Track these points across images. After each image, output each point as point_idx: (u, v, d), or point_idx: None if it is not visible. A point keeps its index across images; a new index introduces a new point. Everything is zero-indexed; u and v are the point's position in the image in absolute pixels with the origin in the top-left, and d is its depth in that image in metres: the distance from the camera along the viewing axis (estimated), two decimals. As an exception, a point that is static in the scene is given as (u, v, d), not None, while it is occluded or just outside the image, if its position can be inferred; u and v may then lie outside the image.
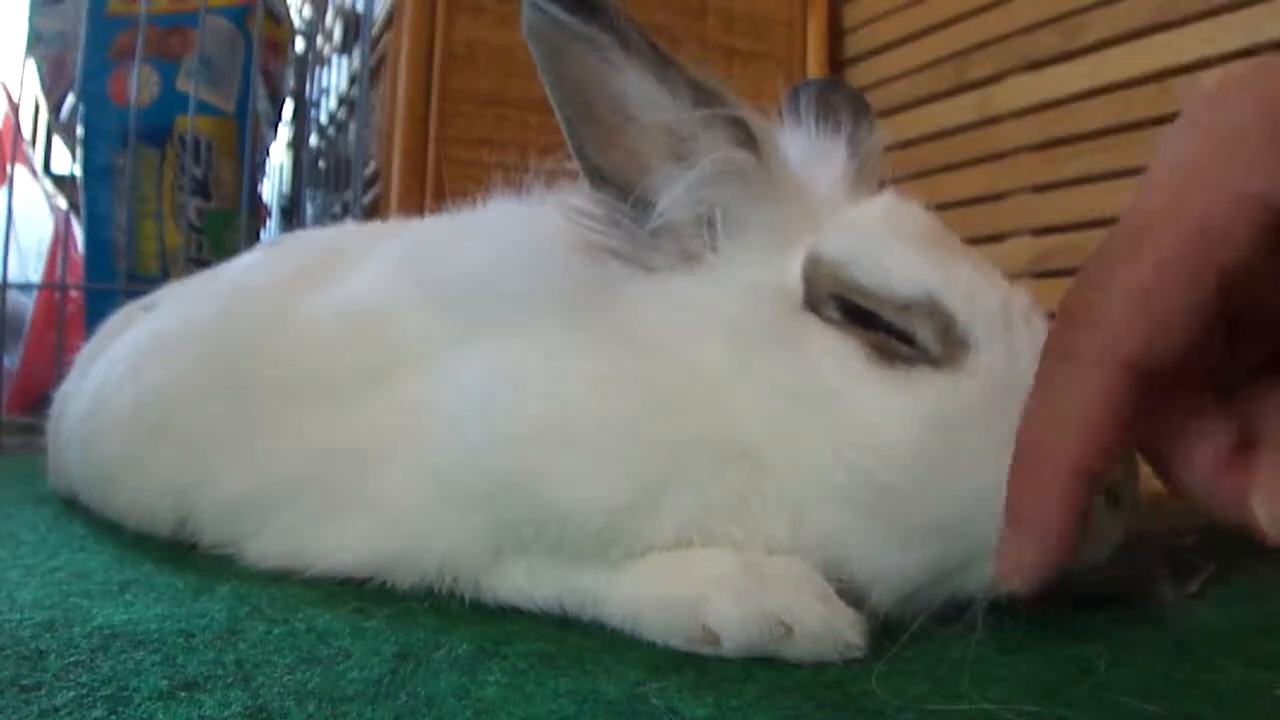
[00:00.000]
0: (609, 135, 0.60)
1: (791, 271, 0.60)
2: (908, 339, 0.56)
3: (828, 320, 0.58)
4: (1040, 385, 0.51)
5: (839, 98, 0.72)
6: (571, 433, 0.57)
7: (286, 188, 2.93)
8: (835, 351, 0.56)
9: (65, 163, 2.58)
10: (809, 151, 0.66)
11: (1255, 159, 0.46)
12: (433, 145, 1.98)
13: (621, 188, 0.61)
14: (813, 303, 0.58)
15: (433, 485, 0.63)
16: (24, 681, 0.47)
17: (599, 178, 0.61)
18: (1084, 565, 0.55)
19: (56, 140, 2.66)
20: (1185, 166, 0.48)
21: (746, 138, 0.59)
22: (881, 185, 0.69)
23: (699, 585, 0.54)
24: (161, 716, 0.44)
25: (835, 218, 0.61)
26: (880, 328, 0.57)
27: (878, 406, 0.55)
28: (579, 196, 0.63)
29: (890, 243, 0.58)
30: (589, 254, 0.62)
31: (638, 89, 0.59)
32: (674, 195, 0.60)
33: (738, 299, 0.59)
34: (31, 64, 2.32)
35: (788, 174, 0.62)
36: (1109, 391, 0.49)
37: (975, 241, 1.70)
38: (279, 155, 2.89)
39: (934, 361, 0.56)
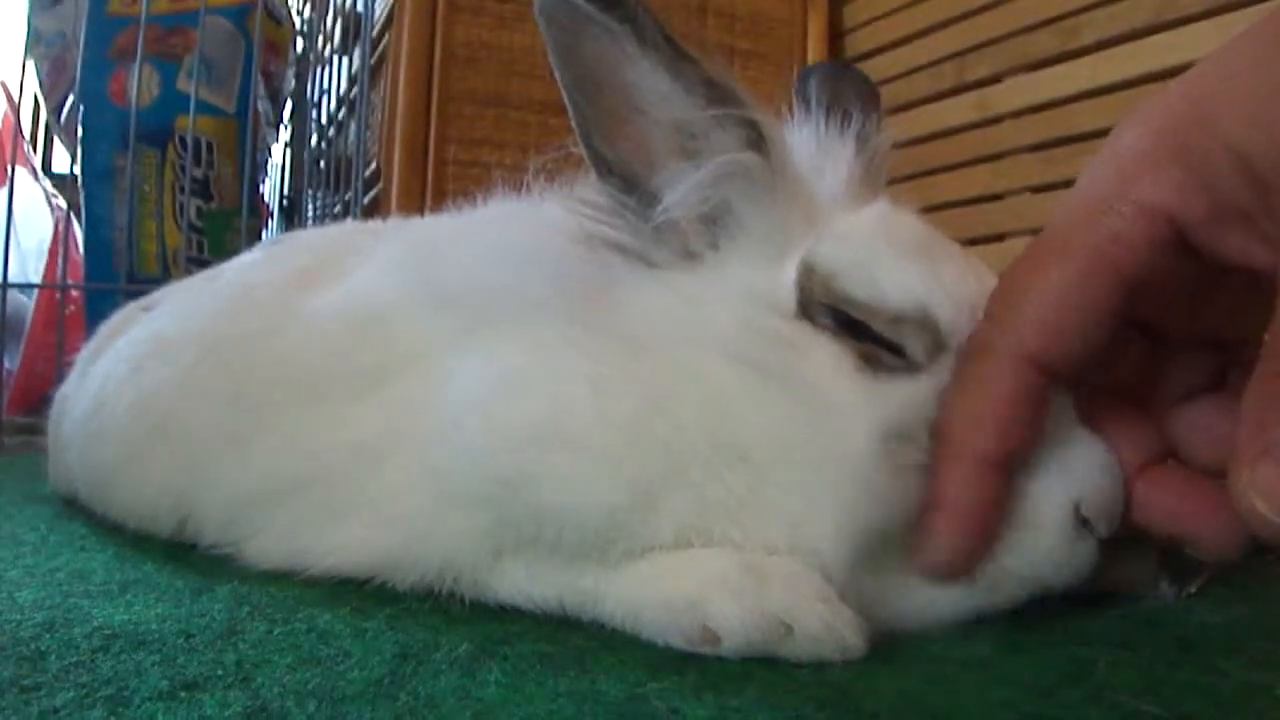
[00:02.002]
0: (617, 126, 0.60)
1: (788, 277, 0.59)
2: (897, 350, 0.56)
3: (821, 328, 0.58)
4: (958, 377, 0.56)
5: (848, 84, 0.72)
6: (570, 433, 0.57)
7: (287, 188, 2.93)
8: (828, 360, 0.56)
9: (65, 163, 2.58)
10: (817, 149, 0.66)
11: (1153, 176, 0.51)
12: (433, 145, 1.98)
13: (627, 179, 0.61)
14: (806, 310, 0.58)
15: (432, 485, 0.63)
16: (24, 682, 0.47)
17: (605, 168, 0.60)
18: (1057, 591, 0.56)
19: (57, 140, 2.66)
20: (1096, 185, 0.53)
21: (757, 139, 0.59)
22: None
23: (699, 585, 0.54)
24: (162, 717, 0.44)
25: (832, 224, 0.61)
26: (870, 338, 0.57)
27: (863, 416, 0.55)
28: (583, 187, 0.63)
29: (882, 255, 0.58)
30: (590, 246, 0.62)
31: (650, 82, 0.58)
32: (681, 193, 0.60)
33: (735, 302, 0.59)
34: (31, 64, 2.32)
35: (794, 176, 0.62)
36: (1015, 386, 0.53)
37: (974, 242, 1.70)
38: (279, 155, 2.89)
39: (925, 372, 0.56)
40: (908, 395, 0.55)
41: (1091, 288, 0.52)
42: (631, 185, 0.61)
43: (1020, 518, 0.55)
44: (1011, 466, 0.54)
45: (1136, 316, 0.55)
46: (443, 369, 0.64)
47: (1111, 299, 0.52)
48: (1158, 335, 0.58)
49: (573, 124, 0.60)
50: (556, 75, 0.59)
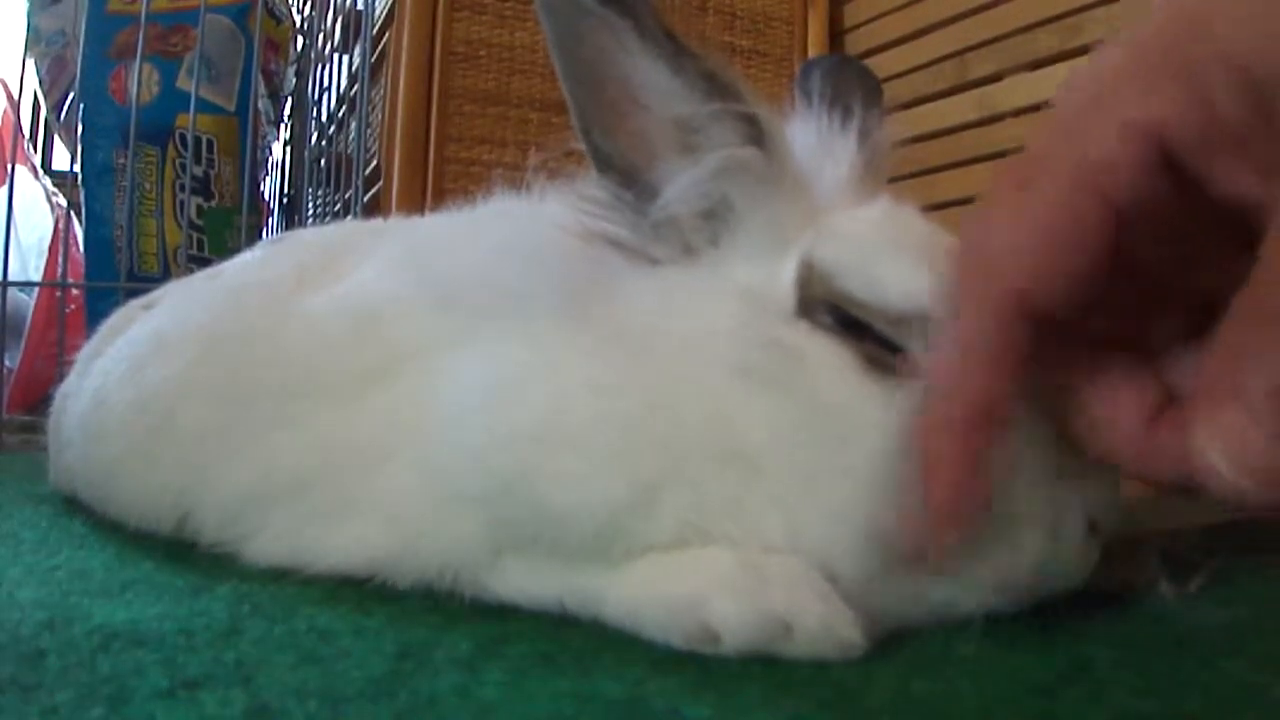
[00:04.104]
0: (617, 120, 0.59)
1: (787, 274, 0.59)
2: (900, 351, 0.56)
3: (822, 326, 0.57)
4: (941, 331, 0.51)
5: (851, 77, 0.71)
6: (569, 432, 0.57)
7: (287, 186, 2.93)
8: (831, 360, 0.56)
9: (65, 161, 2.58)
10: (818, 144, 0.65)
11: (1140, 92, 0.45)
12: (433, 144, 1.98)
13: (626, 174, 0.60)
14: (806, 308, 0.58)
15: (432, 484, 0.63)
16: (24, 680, 0.47)
17: (604, 162, 0.60)
18: (1055, 590, 0.56)
19: (57, 138, 2.66)
20: (1076, 104, 0.48)
21: (757, 134, 0.59)
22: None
23: (699, 584, 0.54)
24: (162, 715, 0.44)
25: (833, 221, 0.61)
26: (872, 338, 0.56)
27: (871, 417, 0.54)
28: (583, 183, 0.62)
29: (884, 254, 0.58)
30: (589, 242, 0.62)
31: (650, 76, 0.58)
32: (680, 188, 0.60)
33: (735, 299, 0.59)
34: (32, 62, 2.32)
35: (795, 172, 0.61)
36: (996, 336, 0.48)
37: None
38: (279, 154, 2.90)
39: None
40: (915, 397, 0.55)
41: (1077, 216, 0.46)
42: (631, 180, 0.60)
43: (1029, 519, 0.55)
44: (995, 420, 0.50)
45: (1121, 255, 0.48)
46: (443, 367, 0.64)
47: (1100, 229, 0.46)
48: (1142, 277, 0.51)
49: (572, 119, 0.60)
50: (556, 69, 0.58)
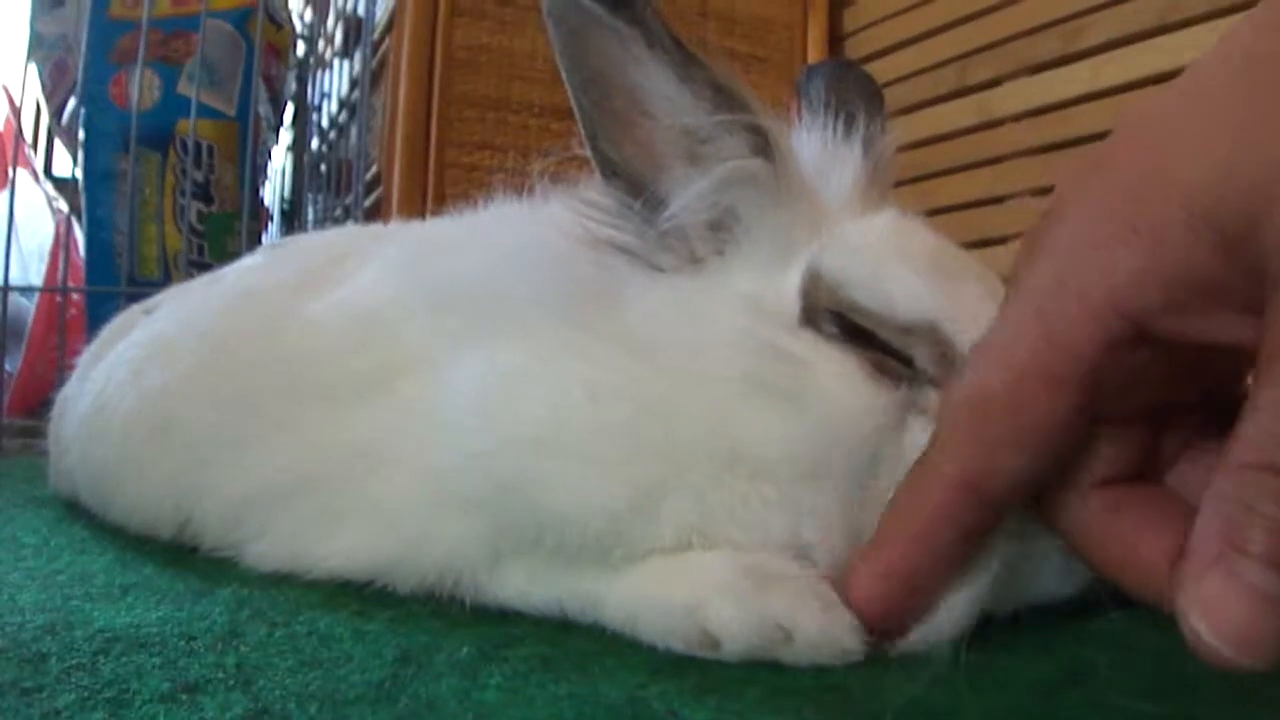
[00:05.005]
0: (624, 128, 0.59)
1: (792, 284, 0.59)
2: (906, 360, 0.56)
3: (826, 335, 0.57)
4: (906, 478, 0.52)
5: (853, 84, 0.72)
6: (569, 437, 0.57)
7: (288, 191, 2.93)
8: (836, 368, 0.56)
9: (67, 166, 2.58)
10: (823, 154, 0.66)
11: (1094, 265, 0.44)
12: (433, 149, 1.98)
13: (633, 183, 0.60)
14: (811, 318, 0.58)
15: (433, 488, 0.63)
16: (25, 684, 0.47)
17: (610, 170, 0.60)
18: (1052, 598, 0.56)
19: (58, 143, 2.66)
20: (1036, 278, 0.47)
21: (764, 145, 0.59)
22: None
23: (699, 589, 0.54)
24: (163, 719, 0.44)
25: (838, 231, 0.61)
26: (878, 347, 0.56)
27: (874, 425, 0.54)
28: (588, 189, 0.62)
29: (892, 264, 0.58)
30: (595, 248, 0.62)
31: (658, 85, 0.58)
32: (687, 198, 0.60)
33: (739, 308, 0.59)
34: (33, 67, 2.33)
35: (800, 182, 0.61)
36: (942, 505, 0.49)
37: (975, 245, 1.70)
38: (280, 159, 2.90)
39: (933, 382, 0.55)
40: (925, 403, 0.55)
41: (1029, 406, 0.46)
42: (637, 188, 0.60)
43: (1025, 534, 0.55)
44: (926, 585, 0.52)
45: (1106, 409, 0.48)
46: (444, 372, 0.64)
47: (1053, 413, 0.46)
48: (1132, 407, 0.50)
49: (579, 125, 0.59)
50: (563, 76, 0.58)
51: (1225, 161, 0.41)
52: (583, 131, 0.59)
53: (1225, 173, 0.40)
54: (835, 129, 0.67)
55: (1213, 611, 0.38)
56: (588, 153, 0.60)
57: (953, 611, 0.53)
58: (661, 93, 0.58)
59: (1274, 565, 0.38)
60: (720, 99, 0.58)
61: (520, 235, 0.68)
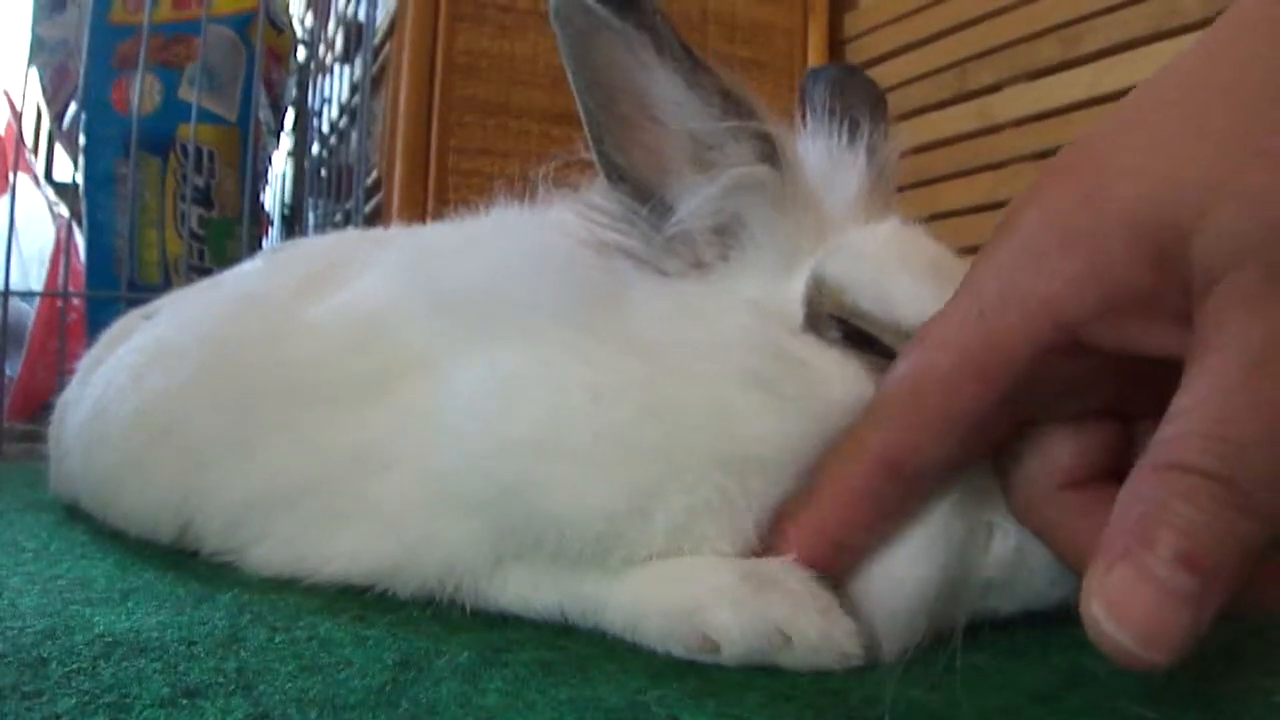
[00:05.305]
0: (630, 133, 0.59)
1: (795, 289, 0.60)
2: None
3: (829, 340, 0.58)
4: (837, 445, 0.54)
5: (856, 90, 0.72)
6: (570, 439, 0.57)
7: (288, 196, 2.93)
8: (837, 370, 0.56)
9: (67, 171, 2.58)
10: (828, 161, 0.66)
11: (1036, 271, 0.47)
12: (434, 155, 1.98)
13: (638, 187, 0.60)
14: (813, 323, 0.58)
15: (433, 491, 0.63)
16: (26, 688, 0.47)
17: (616, 174, 0.60)
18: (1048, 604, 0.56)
19: (59, 148, 2.66)
20: (981, 279, 0.50)
21: (771, 152, 0.59)
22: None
23: (699, 593, 0.54)
24: (163, 723, 0.44)
25: (842, 238, 0.61)
26: (880, 352, 0.57)
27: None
28: (593, 193, 0.63)
29: (895, 270, 0.58)
30: (600, 251, 0.62)
31: (666, 90, 0.58)
32: (694, 204, 0.60)
33: (743, 311, 0.59)
34: (34, 72, 2.33)
35: (806, 189, 0.62)
36: (863, 477, 0.52)
37: (976, 250, 1.69)
38: (281, 164, 2.90)
39: None
40: None
41: (957, 396, 0.49)
42: (642, 193, 0.61)
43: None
44: (855, 545, 0.54)
45: (1028, 412, 0.51)
46: (445, 375, 0.64)
47: (978, 407, 0.49)
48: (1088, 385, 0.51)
49: (585, 129, 0.60)
50: (570, 78, 0.58)
51: (1162, 180, 0.43)
52: (588, 135, 0.60)
53: (1161, 190, 0.43)
54: (840, 136, 0.67)
55: (1117, 604, 0.39)
56: (593, 157, 0.60)
57: (901, 587, 0.54)
58: (669, 98, 0.58)
59: (1182, 564, 0.38)
60: (728, 105, 0.58)
61: (522, 239, 0.68)
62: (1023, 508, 0.54)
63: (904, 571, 0.54)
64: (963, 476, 0.54)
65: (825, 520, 0.54)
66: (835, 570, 0.54)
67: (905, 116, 2.02)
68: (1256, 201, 0.41)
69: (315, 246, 1.02)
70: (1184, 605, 0.38)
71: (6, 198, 2.25)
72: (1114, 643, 0.39)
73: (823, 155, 0.66)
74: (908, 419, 0.51)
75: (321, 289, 0.79)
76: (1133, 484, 0.41)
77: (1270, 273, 0.40)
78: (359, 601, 0.65)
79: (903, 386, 0.52)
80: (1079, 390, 0.50)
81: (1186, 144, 0.43)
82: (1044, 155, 1.74)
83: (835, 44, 2.31)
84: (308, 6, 2.78)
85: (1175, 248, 0.42)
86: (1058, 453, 0.52)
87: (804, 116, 0.69)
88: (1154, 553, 0.39)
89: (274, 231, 2.81)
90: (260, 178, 2.49)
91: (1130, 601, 0.39)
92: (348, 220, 2.28)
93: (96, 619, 0.61)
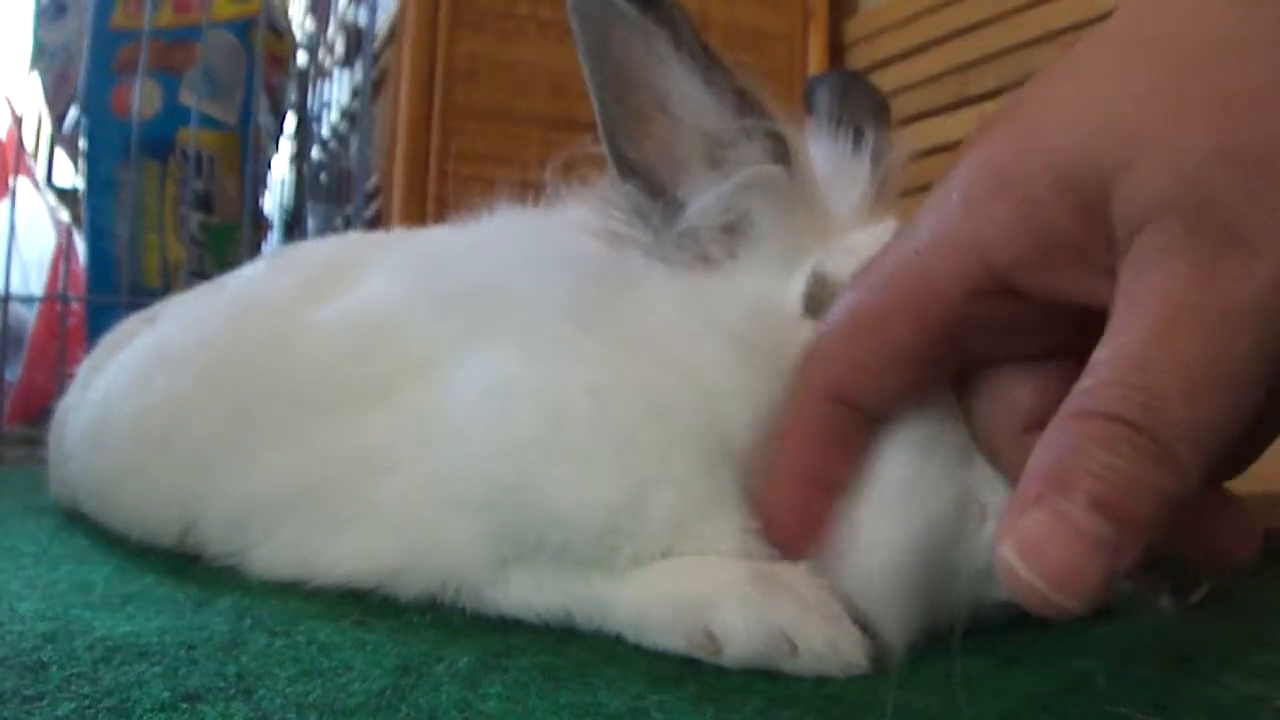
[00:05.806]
0: (643, 127, 0.60)
1: (796, 286, 0.60)
2: None
3: None
4: (790, 390, 0.55)
5: (860, 97, 0.72)
6: (570, 438, 0.58)
7: (289, 201, 2.93)
8: None
9: (68, 175, 2.59)
10: (836, 165, 0.67)
11: (968, 216, 0.48)
12: (434, 160, 1.98)
13: (648, 182, 0.61)
14: (812, 314, 0.59)
15: (436, 492, 0.63)
16: (26, 692, 0.47)
17: (627, 169, 0.61)
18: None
19: (59, 153, 2.66)
20: (920, 220, 0.51)
21: (783, 152, 0.60)
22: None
23: (708, 589, 0.54)
24: (164, 728, 0.44)
25: (844, 239, 0.62)
26: None
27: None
28: (604, 186, 0.63)
29: None
30: (610, 242, 0.62)
31: (682, 86, 0.58)
32: (706, 201, 0.60)
33: (748, 309, 0.60)
34: (35, 77, 2.33)
35: (815, 190, 0.62)
36: (817, 408, 0.53)
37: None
38: (281, 169, 2.90)
39: None
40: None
41: (894, 331, 0.51)
42: (653, 187, 0.61)
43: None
44: (821, 483, 0.54)
45: (972, 350, 0.52)
46: (447, 377, 0.64)
47: (915, 342, 0.50)
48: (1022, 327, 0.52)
49: (598, 122, 0.60)
50: (584, 71, 0.58)
51: (1090, 131, 0.44)
52: (601, 129, 0.60)
53: (1089, 140, 0.43)
54: (845, 140, 0.67)
55: (1030, 546, 0.39)
56: (604, 150, 0.61)
57: (877, 553, 0.53)
58: (684, 93, 0.59)
59: (1099, 509, 0.39)
60: (743, 104, 0.59)
61: (524, 240, 0.68)
62: (993, 452, 0.54)
63: (886, 528, 0.53)
64: (922, 419, 0.54)
65: (790, 460, 0.54)
66: (814, 517, 0.54)
67: (906, 122, 2.01)
68: (1179, 154, 0.41)
69: (317, 250, 1.02)
70: (1099, 551, 0.38)
71: (7, 202, 2.25)
72: (1026, 585, 0.39)
73: (830, 158, 0.67)
74: (849, 354, 0.52)
75: (324, 292, 0.79)
76: (1051, 431, 0.42)
77: (1190, 226, 0.40)
78: (359, 606, 0.65)
79: (842, 324, 0.53)
80: (1024, 331, 0.51)
81: (1117, 95, 0.44)
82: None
83: (835, 50, 2.31)
84: (308, 11, 2.79)
85: (1099, 199, 0.43)
86: (1015, 392, 0.53)
87: (810, 121, 0.69)
88: (1070, 498, 0.39)
89: (274, 236, 2.81)
90: (261, 182, 2.49)
91: (1045, 544, 0.39)
92: (348, 225, 2.28)
93: (96, 623, 0.61)
